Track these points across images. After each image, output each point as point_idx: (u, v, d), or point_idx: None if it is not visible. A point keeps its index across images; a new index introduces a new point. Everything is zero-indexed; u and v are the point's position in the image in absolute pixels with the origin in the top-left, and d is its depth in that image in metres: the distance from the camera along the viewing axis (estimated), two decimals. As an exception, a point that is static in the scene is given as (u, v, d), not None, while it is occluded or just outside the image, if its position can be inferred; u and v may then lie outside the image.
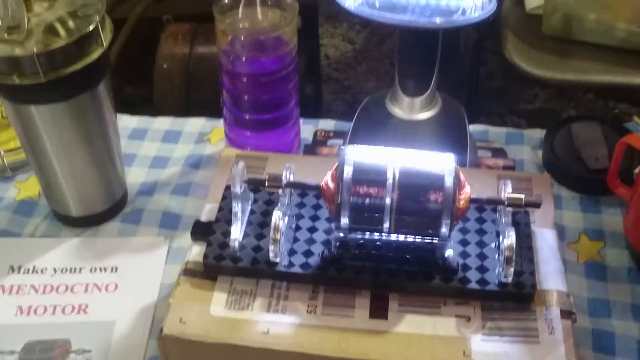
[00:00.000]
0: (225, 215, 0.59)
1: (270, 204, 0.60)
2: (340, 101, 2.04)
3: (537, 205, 0.54)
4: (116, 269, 0.72)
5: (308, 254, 0.56)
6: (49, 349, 0.66)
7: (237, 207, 0.56)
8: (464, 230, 0.58)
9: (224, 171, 0.64)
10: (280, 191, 0.56)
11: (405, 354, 0.51)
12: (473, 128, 0.84)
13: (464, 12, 0.60)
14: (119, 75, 1.70)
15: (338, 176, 0.52)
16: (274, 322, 0.53)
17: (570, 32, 1.31)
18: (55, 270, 0.72)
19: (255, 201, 0.60)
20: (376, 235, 0.55)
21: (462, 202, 0.53)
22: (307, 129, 0.86)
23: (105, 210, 0.76)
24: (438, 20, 0.60)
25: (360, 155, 0.53)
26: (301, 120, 0.84)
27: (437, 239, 0.54)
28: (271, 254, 0.54)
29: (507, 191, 0.55)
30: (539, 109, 1.98)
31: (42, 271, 0.72)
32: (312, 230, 0.58)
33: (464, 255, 0.56)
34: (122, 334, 0.67)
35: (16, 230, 0.76)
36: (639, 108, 1.94)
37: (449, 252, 0.55)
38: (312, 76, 1.89)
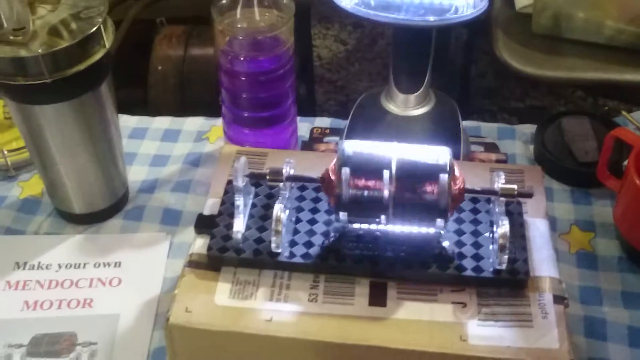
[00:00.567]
0: (227, 209, 0.60)
1: (271, 197, 0.61)
2: (333, 101, 2.06)
3: (529, 195, 0.56)
4: (119, 264, 0.74)
5: (309, 244, 0.58)
6: (55, 342, 0.67)
7: (239, 200, 0.58)
8: (459, 221, 0.60)
9: (224, 167, 0.65)
10: (281, 184, 0.58)
11: (403, 339, 0.53)
12: (466, 124, 0.87)
13: (456, 11, 0.62)
14: (114, 77, 1.71)
15: (337, 169, 0.54)
16: (276, 310, 0.55)
17: (560, 31, 1.33)
18: (59, 266, 0.74)
19: (256, 195, 0.62)
20: (375, 226, 0.57)
21: (457, 193, 0.55)
22: (303, 127, 0.88)
23: (108, 207, 0.78)
24: (432, 18, 0.62)
25: (358, 148, 0.55)
26: (298, 118, 0.86)
27: (433, 229, 0.56)
28: (273, 245, 0.56)
29: (500, 182, 0.57)
30: (529, 106, 2.00)
31: (47, 267, 0.74)
32: (312, 222, 0.60)
33: (460, 244, 0.58)
34: (127, 326, 0.69)
35: (20, 227, 0.78)
36: (629, 105, 1.96)
37: (445, 242, 0.57)
38: (305, 77, 1.90)
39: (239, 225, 0.58)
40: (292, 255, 0.57)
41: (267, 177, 0.58)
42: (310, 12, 1.79)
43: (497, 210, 0.57)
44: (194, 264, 0.58)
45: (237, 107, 0.78)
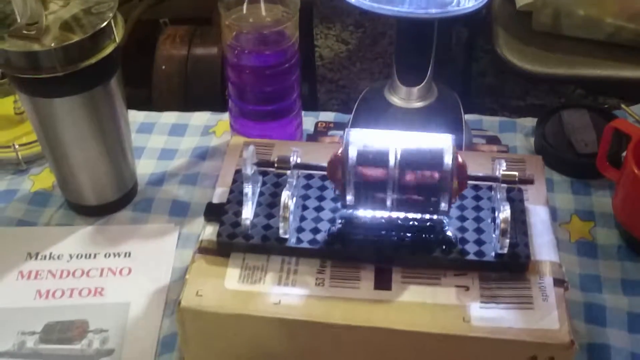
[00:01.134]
0: (236, 197, 0.62)
1: (278, 186, 0.63)
2: (335, 100, 2.08)
3: (530, 181, 0.58)
4: (129, 254, 0.76)
5: (315, 231, 0.59)
6: (67, 329, 0.69)
7: (247, 188, 0.60)
8: (461, 207, 0.61)
9: (232, 157, 0.67)
10: (288, 172, 0.60)
11: (407, 321, 0.55)
12: (468, 117, 0.88)
13: (458, 3, 0.64)
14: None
15: (343, 157, 0.56)
16: (284, 294, 0.56)
17: (560, 28, 1.35)
18: (71, 256, 0.76)
19: (264, 184, 0.64)
20: (380, 212, 0.59)
21: (459, 179, 0.56)
22: (308, 121, 0.90)
23: (117, 199, 0.79)
24: (434, 10, 0.64)
25: (363, 137, 0.57)
26: (303, 113, 0.88)
27: (436, 214, 0.57)
28: (281, 231, 0.58)
29: (501, 169, 0.58)
30: (530, 105, 2.02)
31: (58, 257, 0.76)
32: (318, 209, 0.61)
33: (462, 229, 0.59)
34: (137, 314, 0.70)
35: (32, 220, 0.79)
36: (628, 102, 1.98)
37: (448, 227, 0.59)
38: (307, 76, 1.92)
39: (248, 212, 0.60)
40: (299, 241, 0.59)
41: (275, 165, 0.59)
42: (312, 12, 1.81)
43: (499, 196, 0.59)
44: (204, 250, 0.60)
45: (244, 101, 0.80)
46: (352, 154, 0.56)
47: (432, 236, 0.58)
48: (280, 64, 0.77)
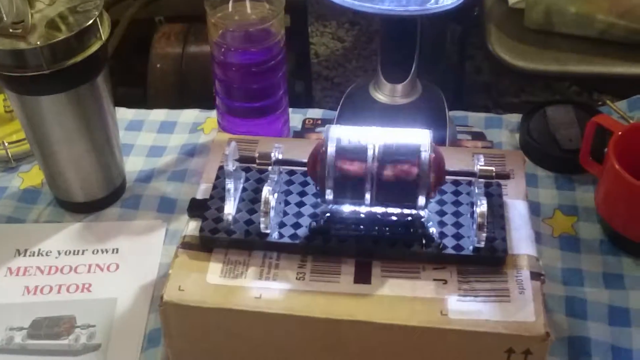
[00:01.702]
0: (219, 193, 0.63)
1: (261, 182, 0.64)
2: (330, 98, 2.09)
3: (506, 176, 0.58)
4: (117, 250, 0.77)
5: (297, 226, 0.60)
6: (55, 324, 0.70)
7: (230, 184, 0.61)
8: (441, 202, 0.62)
9: (217, 154, 0.68)
10: (269, 168, 0.61)
11: (386, 315, 0.55)
12: (454, 114, 0.89)
13: (437, 1, 0.64)
14: (113, 75, 1.74)
15: (322, 152, 0.57)
16: (265, 288, 0.57)
17: (552, 25, 1.35)
18: (59, 253, 0.76)
19: (247, 180, 0.64)
20: (359, 207, 0.59)
21: (437, 174, 0.57)
22: (296, 118, 0.91)
23: (106, 196, 0.80)
24: (413, 8, 0.64)
25: (342, 133, 0.58)
26: (290, 110, 0.89)
27: (415, 209, 0.58)
28: (262, 226, 0.59)
29: (479, 164, 0.59)
30: (524, 102, 2.02)
31: (46, 254, 0.76)
32: (300, 205, 0.62)
33: (441, 224, 0.60)
34: (124, 309, 0.71)
35: (21, 217, 0.80)
36: (622, 99, 1.99)
37: (426, 221, 0.60)
38: (302, 74, 1.93)
39: (230, 208, 0.60)
40: (280, 236, 0.60)
41: (256, 161, 0.60)
42: (307, 10, 1.82)
43: (476, 190, 0.59)
44: (187, 245, 0.61)
45: (230, 98, 0.81)
46: (331, 149, 0.56)
47: (411, 230, 0.59)
48: (267, 61, 0.78)
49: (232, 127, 0.82)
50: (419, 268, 0.58)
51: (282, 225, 0.60)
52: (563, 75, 1.45)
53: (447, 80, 1.93)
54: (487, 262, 0.58)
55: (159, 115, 0.93)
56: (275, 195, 0.61)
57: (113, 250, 0.77)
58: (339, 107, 0.80)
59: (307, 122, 0.90)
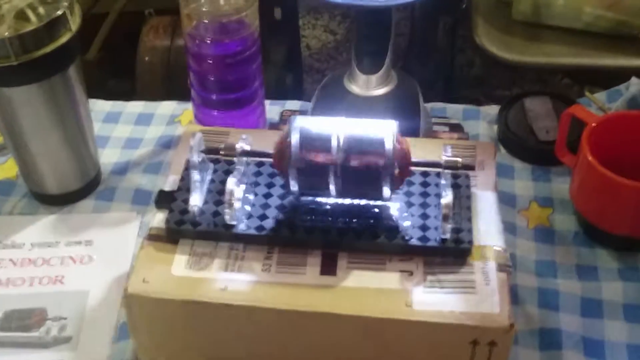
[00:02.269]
0: (186, 185, 0.62)
1: (229, 173, 0.63)
2: (321, 91, 2.08)
3: (471, 167, 0.58)
4: (91, 242, 0.76)
5: (263, 217, 0.60)
6: (26, 317, 0.70)
7: (196, 175, 0.60)
8: (408, 194, 0.62)
9: (185, 145, 0.67)
10: (235, 160, 0.60)
11: (351, 306, 0.55)
12: (431, 105, 0.89)
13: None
14: (102, 68, 1.73)
15: (287, 143, 0.56)
16: (231, 280, 0.57)
17: (539, 17, 1.35)
18: (32, 245, 0.76)
19: (215, 171, 0.64)
20: (326, 198, 0.59)
21: (402, 165, 0.57)
22: (274, 110, 0.90)
23: (80, 188, 0.80)
24: (383, -2, 0.64)
25: (307, 123, 0.57)
26: (269, 102, 0.88)
27: (380, 200, 0.58)
28: (227, 217, 0.58)
29: (446, 155, 0.59)
30: (509, 96, 2.01)
31: (20, 246, 0.76)
32: (267, 196, 0.62)
33: (408, 216, 0.60)
34: (96, 302, 0.71)
35: (-5, 209, 0.80)
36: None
37: (393, 213, 0.60)
38: (292, 67, 1.92)
39: (196, 199, 0.60)
40: (247, 227, 0.59)
41: (221, 152, 0.60)
42: (298, 3, 1.81)
43: (443, 182, 0.59)
44: (153, 237, 0.60)
45: (205, 90, 0.80)
46: (295, 140, 0.56)
47: (377, 222, 0.59)
48: (241, 53, 0.78)
49: (207, 119, 0.82)
50: (385, 259, 0.58)
51: (248, 216, 0.60)
52: (550, 67, 1.45)
53: (439, 74, 1.92)
54: (452, 254, 0.57)
55: (136, 107, 0.92)
56: (242, 186, 0.60)
57: (86, 242, 0.76)
58: (313, 98, 0.79)
59: (285, 113, 0.89)
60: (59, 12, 0.68)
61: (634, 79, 0.88)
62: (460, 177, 0.62)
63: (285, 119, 0.88)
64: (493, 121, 0.88)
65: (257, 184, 0.63)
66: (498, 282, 0.56)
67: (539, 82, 2.06)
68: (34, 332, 0.69)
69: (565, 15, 1.33)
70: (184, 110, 0.91)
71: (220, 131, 0.69)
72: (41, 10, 0.69)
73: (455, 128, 0.85)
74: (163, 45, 1.65)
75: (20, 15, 0.68)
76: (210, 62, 0.78)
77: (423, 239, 0.58)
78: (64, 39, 0.69)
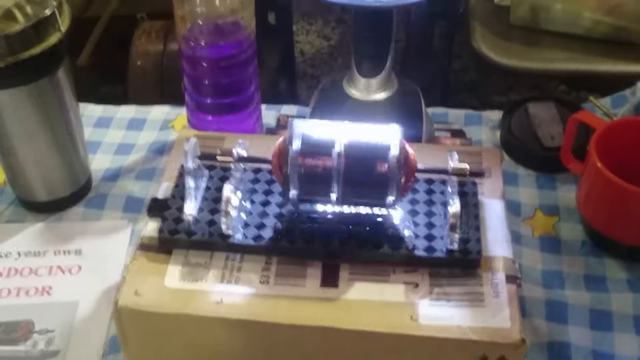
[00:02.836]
0: (180, 192, 0.60)
1: (225, 180, 0.61)
2: (316, 97, 2.06)
3: (480, 174, 0.56)
4: (80, 251, 0.73)
5: (261, 226, 0.57)
6: (12, 330, 0.67)
7: (190, 182, 0.57)
8: (413, 202, 0.59)
9: (179, 151, 0.64)
10: (232, 166, 0.57)
11: (353, 320, 0.52)
12: (433, 110, 0.86)
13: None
14: (94, 73, 1.71)
15: (286, 149, 0.54)
16: (227, 292, 0.54)
17: (538, 22, 1.33)
18: (19, 254, 0.73)
19: (210, 178, 0.61)
20: (326, 206, 0.56)
21: (407, 172, 0.54)
22: (270, 115, 0.88)
23: (69, 195, 0.77)
24: (384, -2, 0.62)
25: (308, 128, 0.54)
26: (265, 106, 0.86)
27: (384, 208, 0.55)
28: (223, 227, 0.56)
29: (453, 161, 0.56)
30: (512, 101, 2.00)
31: (6, 255, 0.73)
32: (265, 204, 0.59)
33: (413, 224, 0.57)
34: (85, 314, 0.68)
35: (-19, 217, 0.77)
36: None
37: (397, 222, 0.57)
38: (286, 72, 1.90)
39: (190, 207, 0.57)
40: (244, 237, 0.57)
41: (217, 158, 0.57)
42: (292, 8, 1.79)
43: (450, 189, 0.56)
44: (145, 247, 0.58)
45: (200, 94, 0.78)
46: (295, 146, 0.53)
47: (381, 231, 0.56)
48: (237, 55, 0.75)
49: (201, 124, 0.79)
50: (388, 270, 0.55)
51: (245, 225, 0.57)
52: (549, 73, 1.43)
53: (435, 79, 1.90)
54: (460, 265, 0.55)
55: (128, 111, 0.90)
56: (239, 194, 0.58)
57: (76, 251, 0.73)
58: (312, 103, 0.77)
59: (281, 119, 0.87)
60: (47, 12, 0.66)
61: (639, 84, 0.85)
62: (466, 184, 0.59)
63: (282, 124, 0.85)
64: (495, 127, 0.85)
65: (254, 191, 0.60)
66: (508, 295, 0.53)
67: (535, 89, 2.04)
68: (20, 346, 0.66)
69: (564, 20, 1.31)
70: (178, 115, 0.88)
71: (216, 136, 0.67)
72: (29, 10, 0.66)
73: (457, 134, 0.83)
74: (156, 50, 1.62)
75: (7, 15, 0.65)
76: (205, 65, 0.75)
77: (429, 249, 0.55)
78: (52, 40, 0.67)
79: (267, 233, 0.57)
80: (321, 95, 0.77)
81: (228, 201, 0.55)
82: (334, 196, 0.54)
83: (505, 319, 0.52)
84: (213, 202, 0.59)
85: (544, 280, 0.69)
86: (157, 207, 0.60)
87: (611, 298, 0.67)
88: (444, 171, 0.56)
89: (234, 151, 0.57)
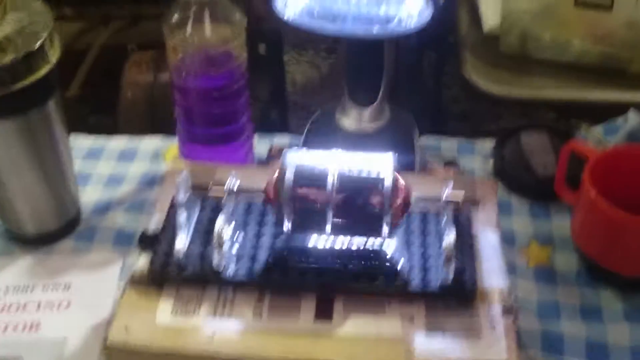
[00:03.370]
0: (171, 224, 0.59)
1: (217, 211, 0.60)
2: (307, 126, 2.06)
3: (475, 202, 0.55)
4: (69, 286, 0.72)
5: (254, 259, 0.56)
6: (-1, 367, 0.65)
7: (182, 215, 0.57)
8: (407, 232, 0.58)
9: (170, 183, 0.64)
10: (224, 198, 0.57)
11: (348, 355, 0.52)
12: (425, 140, 0.86)
13: (400, 22, 0.61)
14: (84, 104, 1.70)
15: (279, 180, 0.53)
16: (219, 327, 0.53)
17: (527, 51, 1.33)
18: (7, 289, 0.72)
19: (202, 209, 0.61)
20: (319, 237, 0.56)
21: (401, 203, 0.54)
22: (262, 144, 0.87)
23: (59, 228, 0.76)
24: (375, 29, 0.61)
25: (301, 159, 0.54)
26: (257, 136, 0.85)
27: (378, 239, 0.55)
28: (215, 262, 0.55)
29: (447, 191, 0.56)
30: (503, 129, 2.00)
31: (-6, 290, 0.72)
32: (258, 235, 0.58)
33: (408, 256, 0.57)
34: (74, 350, 0.66)
35: (-31, 250, 0.76)
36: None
37: (392, 253, 0.56)
38: (278, 103, 1.90)
39: (182, 241, 0.56)
40: (236, 270, 0.56)
41: (210, 190, 0.56)
42: (282, 38, 1.80)
43: (444, 220, 0.56)
44: (135, 281, 0.57)
45: (191, 124, 0.77)
46: (289, 176, 0.53)
47: (376, 263, 0.56)
48: (228, 86, 0.75)
49: (193, 154, 0.79)
50: (383, 303, 0.55)
51: (238, 258, 0.57)
52: (540, 101, 1.44)
53: (425, 109, 1.91)
54: (456, 297, 0.54)
55: (119, 142, 0.89)
56: (232, 226, 0.57)
57: (65, 286, 0.72)
58: (304, 133, 0.76)
59: (273, 149, 0.86)
60: (38, 44, 0.65)
61: (631, 112, 0.86)
62: (461, 214, 0.59)
63: (273, 155, 0.85)
64: (488, 156, 0.85)
65: (246, 223, 0.59)
66: (504, 327, 0.53)
67: (525, 116, 2.05)
68: (7, 384, 0.64)
69: (553, 48, 1.32)
70: (169, 146, 0.87)
71: (207, 167, 0.66)
72: (19, 41, 0.66)
73: (450, 163, 0.83)
74: (146, 81, 1.62)
75: (-3, 47, 0.65)
76: (197, 95, 0.75)
77: (424, 281, 0.55)
78: (42, 71, 0.66)
79: (260, 266, 0.56)
80: (313, 126, 0.76)
81: (220, 236, 0.54)
82: (328, 227, 0.54)
83: (502, 351, 0.51)
84: (205, 234, 0.59)
85: (539, 311, 0.68)
86: (147, 241, 0.59)
87: (607, 329, 0.67)
88: (438, 201, 0.56)
89: (227, 183, 0.56)
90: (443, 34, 1.57)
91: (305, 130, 0.77)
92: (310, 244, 0.56)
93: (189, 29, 0.73)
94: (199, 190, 0.58)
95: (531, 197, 0.80)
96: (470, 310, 0.54)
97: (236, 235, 0.58)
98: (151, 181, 0.83)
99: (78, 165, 0.84)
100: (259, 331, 0.53)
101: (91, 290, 0.72)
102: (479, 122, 2.02)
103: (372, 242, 0.56)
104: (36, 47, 0.65)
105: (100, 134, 0.91)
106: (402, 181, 0.54)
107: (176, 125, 0.80)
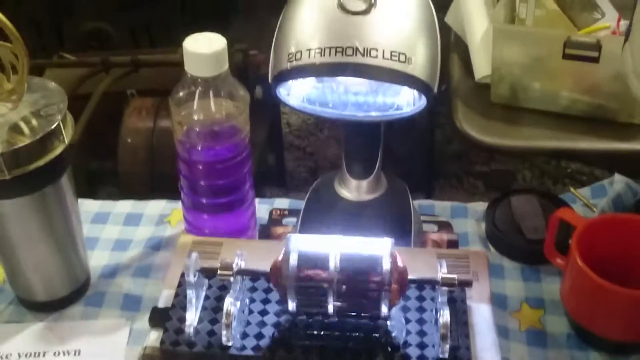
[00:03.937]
0: (181, 302, 0.62)
1: (224, 289, 0.63)
2: (303, 167, 2.09)
3: (469, 284, 0.58)
4: (79, 352, 0.75)
5: (259, 336, 0.60)
6: None
7: (191, 294, 0.60)
8: (405, 309, 0.62)
9: (180, 258, 0.67)
10: (231, 279, 0.60)
11: None
12: (419, 203, 0.90)
13: (398, 107, 0.65)
14: (85, 150, 1.73)
15: (284, 264, 0.56)
16: (227, 404, 0.56)
17: (517, 101, 1.37)
18: (19, 355, 0.75)
19: (209, 287, 0.64)
20: (323, 316, 0.59)
21: (399, 284, 0.57)
22: (262, 209, 0.90)
23: (69, 294, 0.79)
24: (374, 114, 0.65)
25: (304, 243, 0.57)
26: (257, 200, 0.89)
27: (378, 319, 0.58)
28: (224, 339, 0.58)
29: (442, 271, 0.59)
30: (494, 170, 2.05)
31: (7, 357, 0.74)
32: (263, 313, 0.61)
33: (405, 332, 0.60)
34: (85, 417, 0.69)
35: (-19, 316, 0.79)
36: (591, 167, 2.02)
37: (391, 330, 0.59)
38: (274, 145, 1.94)
39: (191, 318, 0.60)
40: (243, 347, 0.59)
41: (218, 272, 0.60)
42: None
43: (440, 299, 0.59)
44: (147, 357, 0.60)
45: (196, 194, 0.80)
46: (293, 261, 0.56)
47: (375, 340, 0.59)
48: (232, 158, 0.78)
49: (197, 221, 0.82)
50: (383, 378, 0.58)
51: (244, 335, 0.60)
52: (530, 150, 1.47)
53: (418, 150, 1.95)
54: (451, 373, 0.57)
55: (124, 207, 0.92)
56: (238, 304, 0.60)
57: (75, 352, 0.75)
58: (305, 202, 0.80)
59: (274, 213, 0.89)
60: (53, 127, 0.68)
61: (617, 176, 0.89)
62: (455, 293, 0.62)
63: (274, 218, 0.88)
64: (481, 219, 0.89)
65: (252, 300, 0.63)
66: (497, 403, 0.56)
67: (516, 158, 2.09)
68: None
69: (542, 99, 1.36)
70: (173, 210, 0.91)
71: (214, 242, 0.70)
72: (34, 123, 0.69)
73: (444, 226, 0.86)
74: (146, 127, 1.65)
75: (15, 129, 0.68)
76: (201, 168, 0.78)
77: (421, 358, 0.58)
78: (57, 151, 0.70)
79: (265, 342, 0.59)
80: (313, 195, 0.80)
81: (229, 314, 0.57)
82: (330, 308, 0.57)
83: None
84: (213, 311, 0.62)
85: (531, 374, 0.72)
86: (158, 317, 0.62)
87: (597, 392, 0.70)
88: (435, 282, 0.59)
89: (234, 265, 0.60)
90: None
91: (306, 198, 0.80)
92: (314, 322, 0.60)
93: (195, 104, 0.77)
94: (205, 271, 0.61)
95: (522, 260, 0.83)
96: (465, 385, 0.57)
97: (242, 312, 0.61)
98: (156, 245, 0.86)
99: (86, 229, 0.86)
100: (266, 407, 0.56)
101: (100, 356, 0.74)
102: (473, 164, 2.06)
103: (372, 321, 0.59)
104: (51, 129, 0.68)
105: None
106: (400, 263, 0.57)
107: (180, 194, 0.83)
